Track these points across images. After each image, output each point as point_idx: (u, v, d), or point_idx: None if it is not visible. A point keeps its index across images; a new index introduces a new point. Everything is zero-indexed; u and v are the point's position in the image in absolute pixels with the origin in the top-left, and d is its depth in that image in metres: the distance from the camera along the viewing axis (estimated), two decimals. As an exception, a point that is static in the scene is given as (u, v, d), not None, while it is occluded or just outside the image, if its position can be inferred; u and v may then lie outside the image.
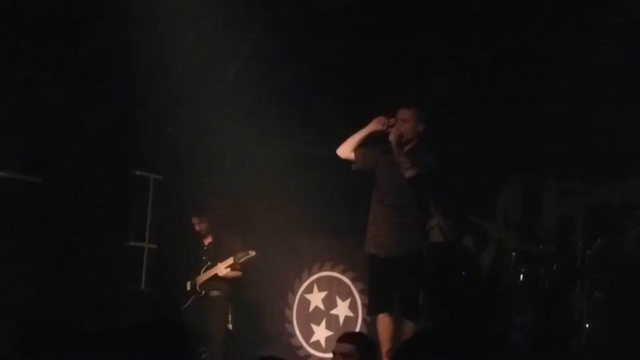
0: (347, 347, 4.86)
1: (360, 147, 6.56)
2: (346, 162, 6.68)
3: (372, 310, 6.56)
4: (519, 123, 7.71)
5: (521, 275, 7.02)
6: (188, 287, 7.82)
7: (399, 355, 3.08)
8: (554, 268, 6.99)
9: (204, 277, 7.76)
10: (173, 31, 7.04)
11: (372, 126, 6.48)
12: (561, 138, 7.58)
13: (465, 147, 7.84)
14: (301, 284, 8.72)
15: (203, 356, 7.38)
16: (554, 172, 7.91)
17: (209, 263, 7.76)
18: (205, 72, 7.65)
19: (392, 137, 6.34)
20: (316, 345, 8.54)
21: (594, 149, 7.47)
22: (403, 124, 6.40)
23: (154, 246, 8.14)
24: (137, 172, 8.10)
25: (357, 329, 8.23)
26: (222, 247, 7.81)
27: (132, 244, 8.00)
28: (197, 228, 7.90)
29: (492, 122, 7.77)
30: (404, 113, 6.43)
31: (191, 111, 8.16)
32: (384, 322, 6.28)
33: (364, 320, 8.40)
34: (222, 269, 7.65)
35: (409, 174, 6.25)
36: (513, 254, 7.19)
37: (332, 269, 8.66)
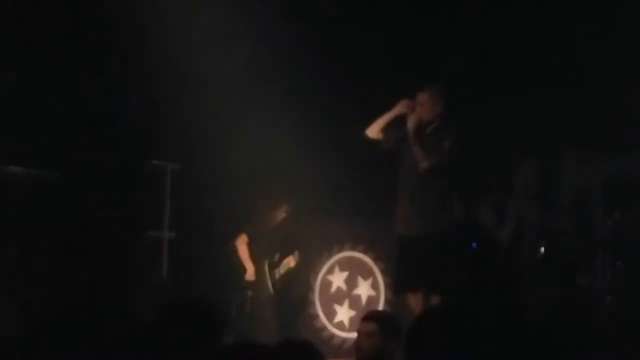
0: (371, 326, 4.89)
1: (387, 128, 6.60)
2: (364, 144, 6.78)
3: (398, 289, 6.67)
4: (535, 97, 7.68)
5: (541, 249, 7.03)
6: (277, 276, 8.05)
7: (411, 332, 3.10)
8: (574, 240, 6.99)
9: (283, 268, 8.06)
10: (187, 20, 7.07)
11: (399, 109, 6.53)
12: (577, 110, 7.54)
13: (481, 122, 7.83)
14: (322, 265, 8.73)
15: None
16: (570, 145, 7.88)
17: (279, 254, 8.07)
18: (221, 58, 7.67)
19: (410, 124, 6.39)
20: (340, 325, 8.56)
21: (610, 121, 7.44)
22: (421, 107, 6.44)
23: (173, 235, 8.16)
24: (154, 162, 8.11)
25: (380, 308, 8.25)
26: (292, 238, 8.13)
27: (152, 233, 8.02)
28: (284, 215, 8.09)
29: (508, 97, 7.75)
30: (422, 96, 6.47)
31: (207, 98, 8.17)
32: (413, 301, 6.37)
33: (386, 299, 8.42)
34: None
35: (422, 166, 6.32)
36: (532, 227, 7.19)
37: (352, 249, 8.66)
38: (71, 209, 7.28)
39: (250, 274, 8.04)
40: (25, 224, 6.92)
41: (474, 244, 7.31)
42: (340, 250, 8.67)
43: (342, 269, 8.63)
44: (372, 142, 6.71)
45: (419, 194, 6.43)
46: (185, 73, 7.67)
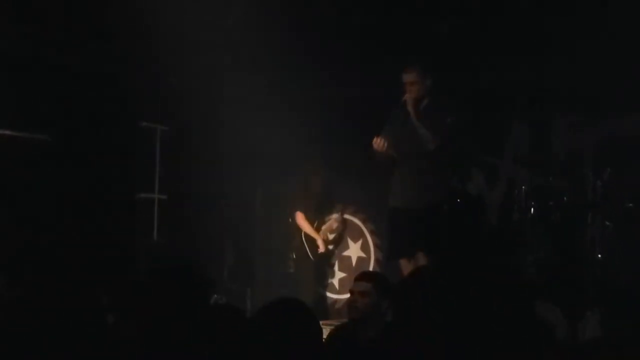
0: (364, 286, 4.96)
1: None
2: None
3: (390, 257, 6.85)
4: (526, 59, 7.68)
5: (532, 209, 7.06)
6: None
7: (399, 290, 3.12)
8: (565, 200, 7.03)
9: (325, 232, 8.26)
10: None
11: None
12: (568, 72, 7.54)
13: (472, 85, 7.83)
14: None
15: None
16: (561, 107, 7.88)
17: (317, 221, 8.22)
18: (209, 20, 7.62)
19: (410, 108, 6.43)
20: (330, 287, 8.59)
21: (601, 83, 7.43)
22: (412, 86, 6.47)
23: (164, 197, 8.16)
24: (144, 124, 8.08)
25: (370, 269, 8.27)
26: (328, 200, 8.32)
27: (142, 195, 8.02)
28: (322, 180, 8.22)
29: (499, 59, 7.74)
30: (409, 76, 6.50)
31: (195, 60, 8.13)
32: (405, 267, 6.42)
33: (376, 261, 8.45)
34: None
35: (431, 146, 6.37)
36: (523, 188, 7.21)
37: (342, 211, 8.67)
38: (61, 172, 7.25)
39: (321, 245, 8.12)
40: (15, 186, 6.89)
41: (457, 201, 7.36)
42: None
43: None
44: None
45: (420, 172, 6.51)
46: (175, 35, 7.61)
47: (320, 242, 8.09)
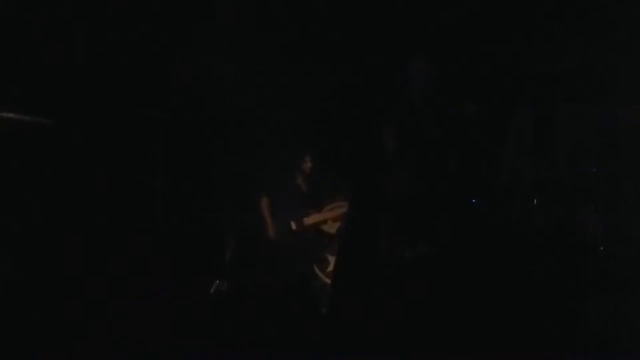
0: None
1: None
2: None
3: (391, 247, 6.75)
4: (530, 50, 7.69)
5: (535, 201, 7.08)
6: (294, 227, 8.24)
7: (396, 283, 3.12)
8: (569, 192, 7.04)
9: (312, 219, 8.27)
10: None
11: None
12: (572, 62, 7.55)
13: (474, 74, 7.84)
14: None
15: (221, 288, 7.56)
16: (565, 98, 7.90)
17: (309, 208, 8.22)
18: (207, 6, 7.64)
19: (415, 97, 6.49)
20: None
21: (606, 72, 7.44)
22: (416, 77, 6.52)
23: (167, 185, 8.17)
24: (146, 113, 8.09)
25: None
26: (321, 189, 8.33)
27: (144, 183, 8.03)
28: (309, 166, 8.25)
29: (502, 48, 7.75)
30: (414, 68, 6.54)
31: (196, 47, 8.14)
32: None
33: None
34: None
35: (434, 137, 6.42)
36: (526, 180, 7.23)
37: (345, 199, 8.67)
38: (63, 158, 7.27)
39: (270, 231, 8.13)
40: (18, 170, 6.92)
41: (474, 200, 7.39)
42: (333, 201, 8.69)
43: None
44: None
45: (423, 162, 6.55)
46: (179, 23, 7.64)
47: (270, 229, 8.13)
